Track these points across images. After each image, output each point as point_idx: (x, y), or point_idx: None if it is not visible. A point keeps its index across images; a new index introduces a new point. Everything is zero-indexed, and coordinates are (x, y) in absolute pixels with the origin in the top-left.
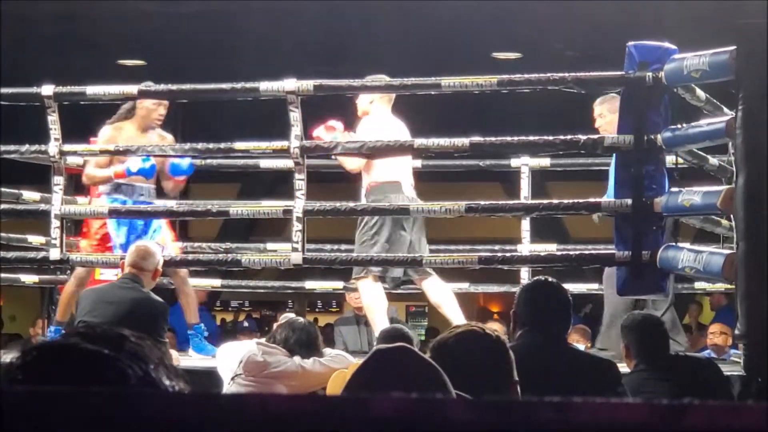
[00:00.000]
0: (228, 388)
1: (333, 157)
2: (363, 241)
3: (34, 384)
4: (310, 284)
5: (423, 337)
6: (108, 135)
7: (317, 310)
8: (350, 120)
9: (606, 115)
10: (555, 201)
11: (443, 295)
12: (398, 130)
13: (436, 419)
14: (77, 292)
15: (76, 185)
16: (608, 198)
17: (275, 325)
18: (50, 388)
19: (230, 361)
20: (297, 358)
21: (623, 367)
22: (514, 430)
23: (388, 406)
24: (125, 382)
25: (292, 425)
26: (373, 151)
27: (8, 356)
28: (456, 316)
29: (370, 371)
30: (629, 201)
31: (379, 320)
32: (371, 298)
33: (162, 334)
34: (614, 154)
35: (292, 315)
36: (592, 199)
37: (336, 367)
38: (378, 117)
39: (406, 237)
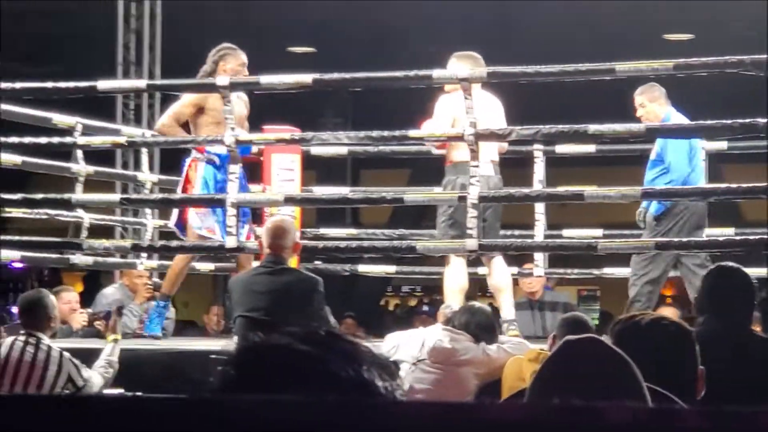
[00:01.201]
0: (410, 374)
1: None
2: (439, 223)
3: (246, 382)
4: (483, 270)
5: (597, 322)
6: (194, 96)
7: (488, 294)
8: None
9: (646, 104)
10: (733, 185)
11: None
12: (490, 107)
13: (670, 428)
14: (186, 267)
15: (251, 174)
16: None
17: (443, 312)
18: (273, 398)
19: (410, 347)
20: (482, 344)
21: None
22: None
23: (622, 414)
24: (336, 383)
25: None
26: (547, 137)
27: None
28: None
29: (560, 364)
30: None
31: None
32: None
33: (321, 307)
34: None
35: (452, 304)
36: None
37: (517, 354)
38: (470, 93)
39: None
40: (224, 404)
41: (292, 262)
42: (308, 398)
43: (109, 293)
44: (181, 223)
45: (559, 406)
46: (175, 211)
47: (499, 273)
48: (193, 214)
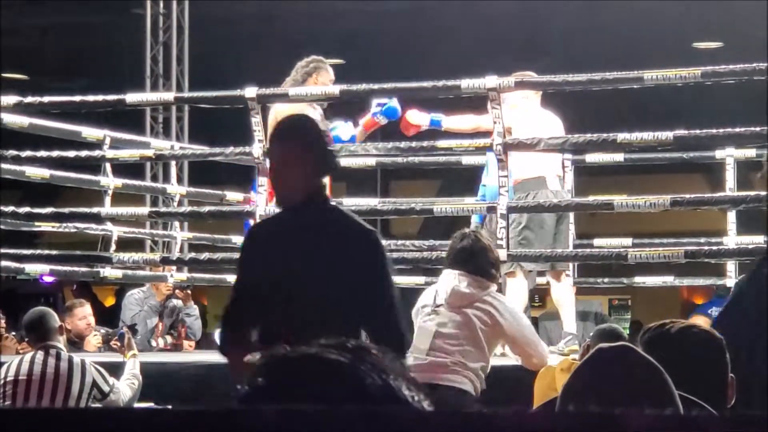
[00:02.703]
0: (430, 321)
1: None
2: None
3: (274, 389)
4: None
5: (627, 332)
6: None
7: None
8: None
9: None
10: (763, 193)
11: (565, 296)
12: (550, 123)
13: None
14: None
15: None
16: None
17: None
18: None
19: (425, 299)
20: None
21: None
22: None
23: (644, 421)
24: (365, 390)
25: None
26: (575, 147)
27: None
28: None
29: (592, 371)
30: None
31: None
32: (518, 293)
33: None
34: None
35: None
36: None
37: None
38: (529, 110)
39: (549, 232)
40: (247, 415)
41: None
42: (331, 409)
43: (135, 293)
44: None
45: (579, 412)
46: None
47: (557, 288)
48: None
